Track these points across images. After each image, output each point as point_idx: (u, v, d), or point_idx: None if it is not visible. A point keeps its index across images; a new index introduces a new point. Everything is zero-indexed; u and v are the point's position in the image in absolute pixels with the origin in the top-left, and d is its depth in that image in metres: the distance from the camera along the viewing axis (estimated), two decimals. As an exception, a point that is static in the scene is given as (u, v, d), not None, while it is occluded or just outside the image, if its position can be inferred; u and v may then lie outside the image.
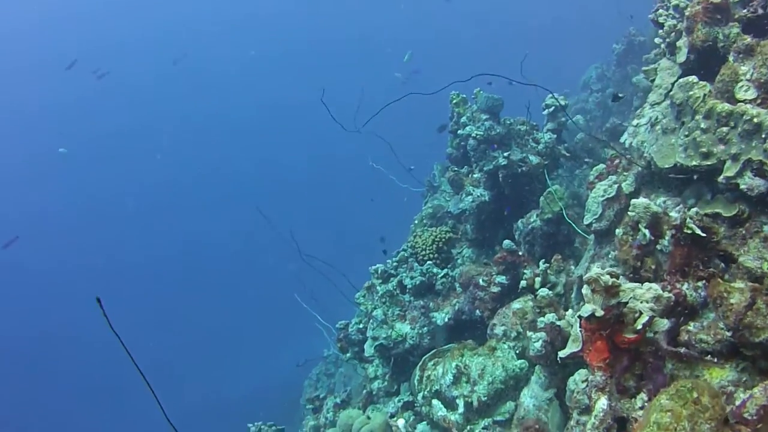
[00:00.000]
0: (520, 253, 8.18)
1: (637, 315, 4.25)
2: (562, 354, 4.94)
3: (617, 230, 5.34)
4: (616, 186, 6.65)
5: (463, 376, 7.43)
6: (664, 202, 6.22)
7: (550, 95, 9.86)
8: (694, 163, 5.33)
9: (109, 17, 54.80)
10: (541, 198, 8.29)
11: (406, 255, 9.03)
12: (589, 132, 13.95)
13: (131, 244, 45.69)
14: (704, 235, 4.73)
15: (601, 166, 7.42)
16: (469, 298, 8.25)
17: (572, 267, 7.94)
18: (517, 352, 7.43)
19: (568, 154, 9.40)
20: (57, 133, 47.65)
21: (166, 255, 44.54)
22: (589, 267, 6.78)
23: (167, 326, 35.91)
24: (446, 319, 8.34)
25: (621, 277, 5.01)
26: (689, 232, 4.73)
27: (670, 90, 6.82)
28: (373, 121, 8.59)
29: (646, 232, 4.96)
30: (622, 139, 7.25)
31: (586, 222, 6.73)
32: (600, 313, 4.15)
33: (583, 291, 4.19)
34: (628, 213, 5.09)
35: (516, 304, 7.74)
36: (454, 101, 9.58)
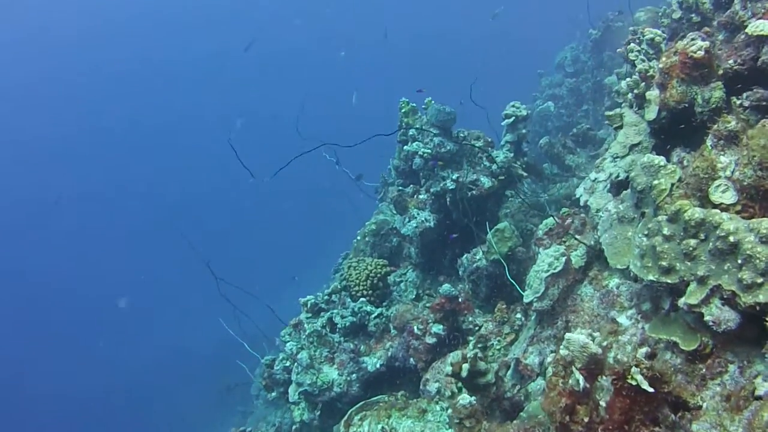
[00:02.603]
0: (461, 300, 7.02)
1: None
2: None
3: (546, 369, 4.13)
4: (563, 259, 5.42)
5: (389, 438, 6.39)
6: (618, 287, 5.06)
7: (511, 104, 8.51)
8: (651, 277, 4.11)
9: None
10: (489, 234, 7.06)
11: (339, 286, 7.81)
12: (557, 132, 12.63)
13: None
14: (651, 390, 3.55)
15: (551, 220, 6.18)
16: (404, 345, 7.13)
17: (518, 316, 6.80)
18: (450, 414, 6.37)
19: (525, 174, 8.09)
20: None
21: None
22: (526, 349, 5.63)
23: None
24: (378, 365, 7.23)
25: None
26: (634, 383, 3.56)
27: (636, 145, 5.55)
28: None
29: (580, 378, 3.78)
30: (577, 193, 6.00)
31: (526, 300, 5.56)
32: None
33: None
34: (560, 351, 3.88)
35: (453, 358, 6.63)
36: (404, 110, 8.20)
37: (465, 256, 7.38)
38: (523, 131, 8.49)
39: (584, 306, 5.28)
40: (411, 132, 8.01)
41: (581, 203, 5.82)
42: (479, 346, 6.76)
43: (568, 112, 12.94)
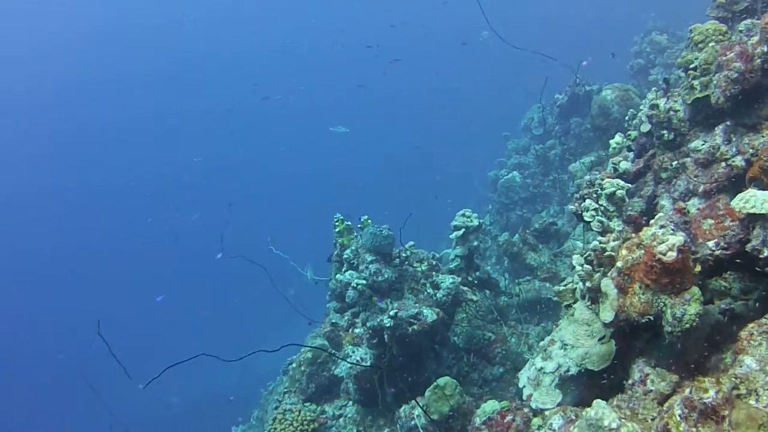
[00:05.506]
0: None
1: None
2: None
3: None
4: (502, 482, 4.14)
5: None
6: None
7: (460, 213, 7.28)
8: None
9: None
10: (428, 390, 5.81)
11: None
12: (523, 204, 11.37)
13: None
14: None
15: (490, 405, 4.90)
16: None
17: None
18: None
19: (475, 299, 6.83)
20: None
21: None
22: None
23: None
24: None
25: None
26: None
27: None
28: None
29: None
30: (521, 382, 4.72)
31: None
32: None
33: None
34: None
35: None
36: (337, 229, 6.93)
37: (403, 408, 6.11)
38: (475, 243, 7.27)
39: None
40: (346, 253, 6.72)
41: (524, 395, 4.54)
42: None
43: (534, 182, 11.66)
